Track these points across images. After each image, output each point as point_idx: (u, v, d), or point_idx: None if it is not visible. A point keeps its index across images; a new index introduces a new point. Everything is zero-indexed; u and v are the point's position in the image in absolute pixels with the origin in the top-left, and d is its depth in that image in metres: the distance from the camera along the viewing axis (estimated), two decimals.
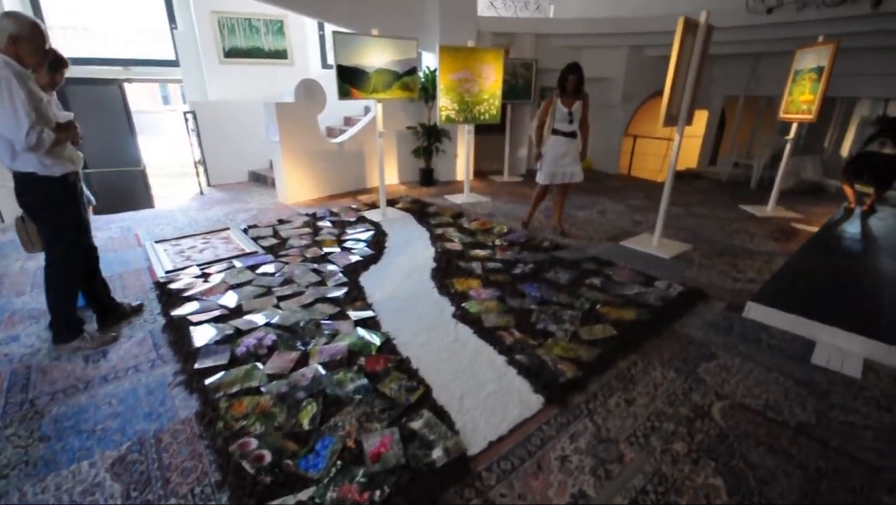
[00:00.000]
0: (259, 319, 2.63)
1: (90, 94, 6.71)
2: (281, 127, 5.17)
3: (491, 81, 5.31)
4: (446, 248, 3.83)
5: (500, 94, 5.41)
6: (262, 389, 2.01)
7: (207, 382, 2.06)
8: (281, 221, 4.62)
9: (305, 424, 1.80)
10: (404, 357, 2.30)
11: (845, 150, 10.41)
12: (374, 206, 5.19)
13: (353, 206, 5.19)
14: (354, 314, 2.70)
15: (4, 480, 1.59)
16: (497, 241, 4.03)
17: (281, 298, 2.90)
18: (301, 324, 2.58)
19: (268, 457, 1.63)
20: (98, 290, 2.57)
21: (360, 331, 2.51)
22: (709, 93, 7.76)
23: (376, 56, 4.28)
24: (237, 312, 2.74)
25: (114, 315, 2.64)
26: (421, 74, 6.24)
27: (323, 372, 2.14)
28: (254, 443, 1.70)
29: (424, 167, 6.55)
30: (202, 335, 2.46)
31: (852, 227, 4.58)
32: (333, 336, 2.46)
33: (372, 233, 4.24)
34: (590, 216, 5.03)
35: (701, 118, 8.14)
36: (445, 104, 5.13)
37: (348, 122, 7.69)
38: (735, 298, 3.03)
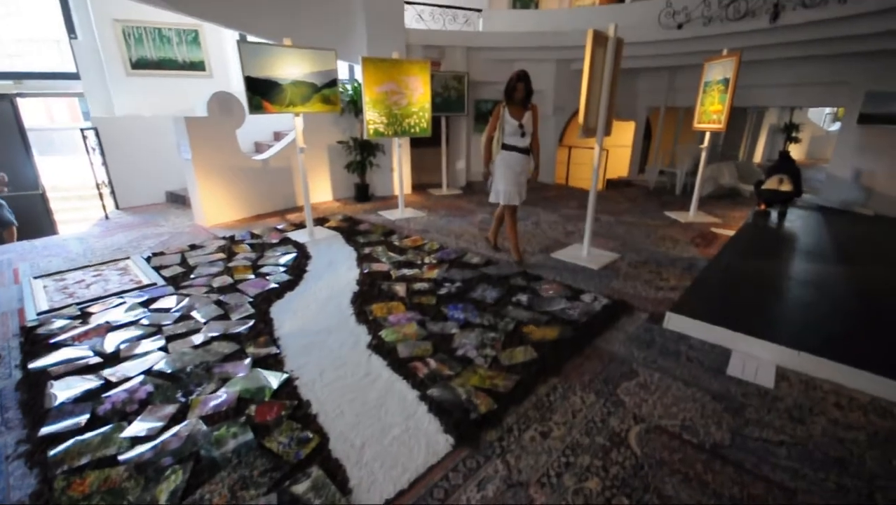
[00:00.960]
0: (138, 365, 2.28)
1: None
2: (193, 143, 4.76)
3: (419, 94, 5.19)
4: (372, 270, 3.60)
5: (429, 106, 5.30)
6: (120, 458, 1.69)
7: (51, 452, 1.70)
8: (193, 247, 4.21)
9: (163, 500, 1.50)
10: (304, 401, 2.04)
11: (758, 156, 11.27)
12: (302, 225, 4.87)
13: (279, 227, 4.85)
14: (254, 352, 2.41)
15: None
16: (427, 260, 3.86)
17: (171, 338, 2.55)
18: (188, 369, 2.25)
19: None
20: None
21: (258, 372, 2.22)
22: (634, 105, 8.10)
23: (291, 67, 4.03)
24: (113, 358, 2.37)
25: None
26: (350, 87, 6.05)
27: (203, 428, 1.84)
28: None
29: (359, 182, 6.31)
30: (62, 391, 2.08)
31: (764, 232, 4.83)
32: (225, 381, 2.16)
33: (293, 256, 3.93)
34: (524, 228, 4.98)
35: (629, 129, 8.48)
36: (373, 117, 4.95)
37: (278, 137, 7.32)
38: (657, 307, 3.03)
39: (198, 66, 6.51)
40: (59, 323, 2.74)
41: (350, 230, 4.76)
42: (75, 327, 2.69)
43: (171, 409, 1.96)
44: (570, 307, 2.96)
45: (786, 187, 5.08)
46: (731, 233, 4.76)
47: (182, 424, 1.86)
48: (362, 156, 6.14)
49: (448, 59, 6.92)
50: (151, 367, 2.27)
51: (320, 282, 3.44)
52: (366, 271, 3.57)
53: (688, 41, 5.62)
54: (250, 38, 5.66)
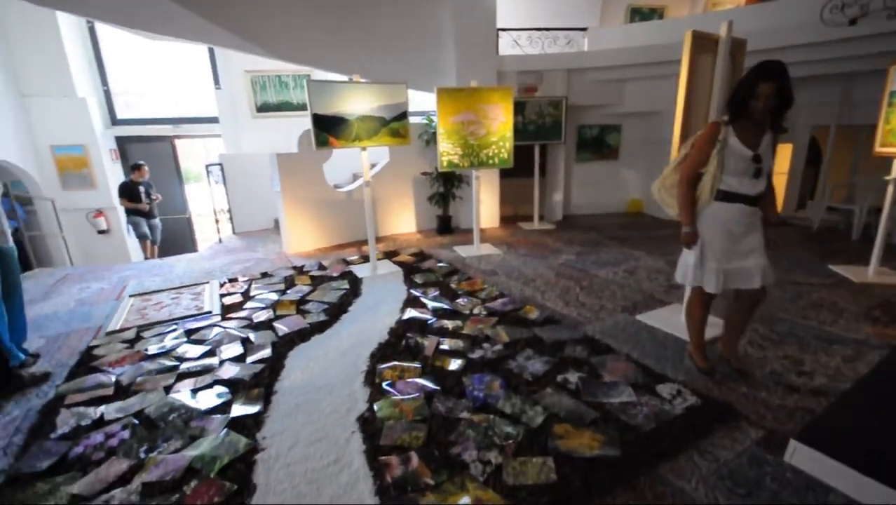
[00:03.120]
0: (135, 404, 2.25)
1: (146, 150, 7.40)
2: (283, 177, 5.09)
3: (500, 123, 4.79)
4: (411, 317, 3.23)
5: (511, 135, 4.86)
6: None
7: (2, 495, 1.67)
8: (264, 275, 4.40)
9: None
10: (251, 484, 1.73)
11: None
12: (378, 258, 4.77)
13: (347, 259, 4.84)
14: (240, 407, 2.21)
15: None
16: (475, 310, 3.34)
17: (181, 377, 2.52)
18: (170, 418, 2.14)
19: None
20: None
21: (225, 436, 1.99)
22: (793, 123, 6.41)
23: (359, 102, 4.00)
24: (125, 391, 2.40)
25: (7, 386, 2.44)
26: (436, 119, 5.94)
27: (134, 500, 1.64)
28: None
29: (441, 214, 6.10)
30: (62, 424, 2.12)
31: None
32: (194, 439, 1.98)
33: (342, 293, 3.79)
34: (612, 276, 4.11)
35: (784, 152, 6.74)
36: (447, 149, 4.69)
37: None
38: (783, 423, 2.02)
39: None
40: (113, 345, 2.96)
41: (413, 267, 4.49)
42: (121, 351, 2.86)
43: (125, 465, 1.83)
44: (635, 402, 2.15)
45: None
46: None
47: (120, 490, 1.69)
48: (445, 188, 5.94)
49: (546, 83, 6.39)
50: (144, 408, 2.22)
51: (354, 326, 3.19)
52: (403, 319, 3.22)
53: (864, 40, 4.17)
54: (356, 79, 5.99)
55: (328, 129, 3.91)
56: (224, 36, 4.73)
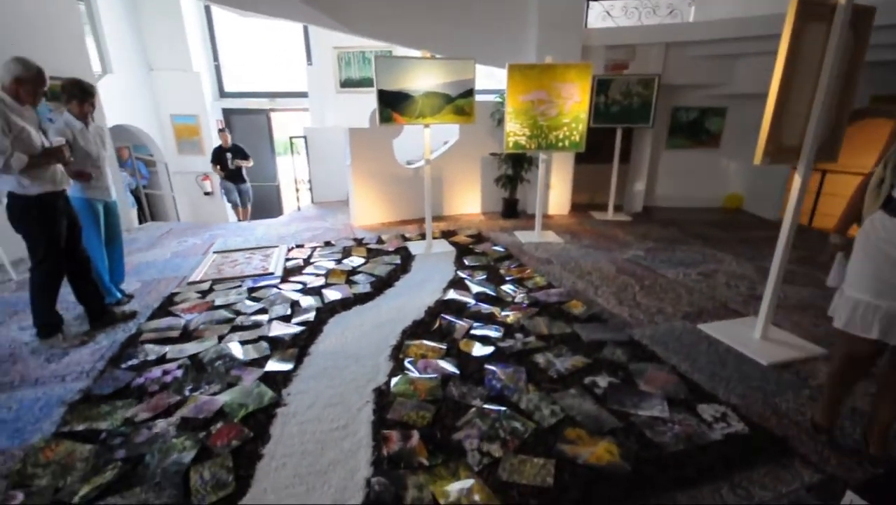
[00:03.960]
0: (193, 348, 2.55)
1: (246, 122, 8.15)
2: (353, 151, 5.30)
3: (574, 103, 4.46)
4: (451, 299, 3.21)
5: (584, 117, 4.51)
6: (102, 436, 1.85)
7: (73, 410, 2.00)
8: (327, 244, 4.66)
9: (78, 497, 1.54)
10: (266, 435, 1.87)
11: None
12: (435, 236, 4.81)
13: (406, 235, 4.94)
14: (271, 364, 2.38)
15: None
16: (518, 298, 3.23)
17: (234, 329, 2.79)
18: (216, 364, 2.38)
19: None
20: (89, 295, 2.84)
21: (256, 387, 2.17)
22: None
23: (424, 78, 3.97)
24: (188, 335, 2.72)
25: (102, 319, 2.89)
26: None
27: (171, 432, 1.87)
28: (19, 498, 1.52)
29: (507, 197, 5.93)
30: (134, 356, 2.48)
31: None
32: (230, 386, 2.19)
33: (392, 268, 3.89)
34: (682, 278, 3.69)
35: None
36: (514, 129, 4.51)
37: None
38: (850, 470, 1.68)
39: None
40: (190, 294, 3.36)
41: (467, 248, 4.45)
42: (195, 300, 3.24)
43: (173, 399, 2.08)
44: (666, 419, 1.92)
45: None
46: None
47: (162, 420, 1.94)
48: (514, 170, 5.74)
49: (639, 59, 5.80)
50: (198, 352, 2.50)
51: (395, 301, 3.26)
52: (444, 299, 3.21)
53: None
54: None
55: (393, 104, 3.95)
56: (304, 10, 4.94)
